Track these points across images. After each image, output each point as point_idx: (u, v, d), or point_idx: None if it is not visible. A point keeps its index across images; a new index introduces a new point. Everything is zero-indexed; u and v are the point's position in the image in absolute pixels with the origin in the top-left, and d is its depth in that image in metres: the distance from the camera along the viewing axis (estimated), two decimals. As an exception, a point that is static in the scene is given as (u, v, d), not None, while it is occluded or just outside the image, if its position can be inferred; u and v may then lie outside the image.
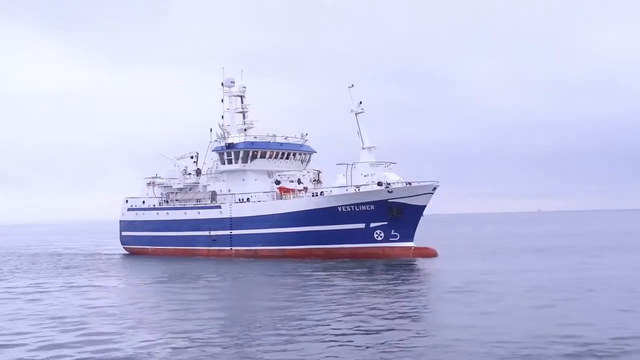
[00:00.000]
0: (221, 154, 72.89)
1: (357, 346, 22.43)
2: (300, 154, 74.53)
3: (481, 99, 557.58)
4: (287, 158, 73.20)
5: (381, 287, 39.36)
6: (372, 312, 29.41)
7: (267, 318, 28.51)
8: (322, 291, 37.79)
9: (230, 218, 70.39)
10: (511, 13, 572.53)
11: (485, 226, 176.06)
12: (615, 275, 43.03)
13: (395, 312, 29.42)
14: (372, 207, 61.81)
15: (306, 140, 76.07)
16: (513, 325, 25.42)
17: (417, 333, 24.40)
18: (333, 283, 42.09)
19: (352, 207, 62.50)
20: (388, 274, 47.14)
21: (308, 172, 71.82)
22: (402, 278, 44.62)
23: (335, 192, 63.91)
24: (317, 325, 26.27)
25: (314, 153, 76.27)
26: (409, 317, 28.22)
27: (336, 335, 24.31)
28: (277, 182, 70.22)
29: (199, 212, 73.81)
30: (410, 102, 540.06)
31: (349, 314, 28.92)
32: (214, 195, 73.79)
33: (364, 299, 34.00)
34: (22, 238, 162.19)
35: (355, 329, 25.47)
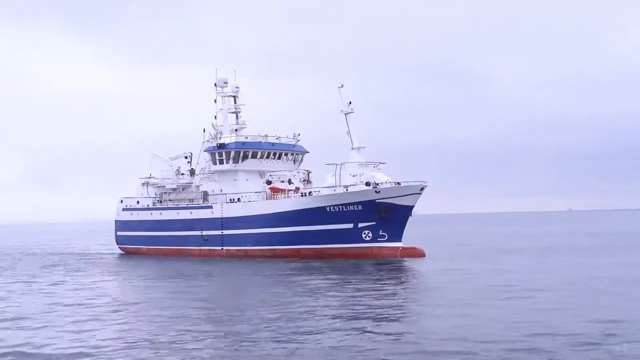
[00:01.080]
0: (213, 154, 73.14)
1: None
2: (292, 154, 74.65)
3: (511, 97, 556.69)
4: (279, 158, 73.36)
5: (351, 286, 39.37)
6: (334, 311, 29.45)
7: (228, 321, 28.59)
8: (283, 292, 37.88)
9: (222, 218, 70.62)
10: (540, 11, 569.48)
11: (505, 226, 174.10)
12: (565, 276, 42.99)
13: (359, 311, 29.44)
14: (360, 207, 61.86)
15: (298, 141, 76.18)
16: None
17: (387, 334, 24.41)
18: (299, 283, 42.19)
19: (341, 207, 62.57)
20: (360, 274, 47.16)
21: (298, 172, 71.94)
22: (379, 277, 44.56)
23: (324, 192, 63.99)
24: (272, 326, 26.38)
25: (307, 153, 76.39)
26: (377, 317, 28.13)
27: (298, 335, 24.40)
28: (269, 182, 70.43)
29: (191, 212, 74.09)
30: (437, 99, 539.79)
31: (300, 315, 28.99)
32: (205, 196, 74.06)
33: (321, 299, 34.00)
34: (41, 237, 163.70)
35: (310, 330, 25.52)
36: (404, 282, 42.87)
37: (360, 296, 34.93)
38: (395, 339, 23.45)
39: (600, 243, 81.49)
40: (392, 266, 53.89)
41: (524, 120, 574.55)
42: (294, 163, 75.11)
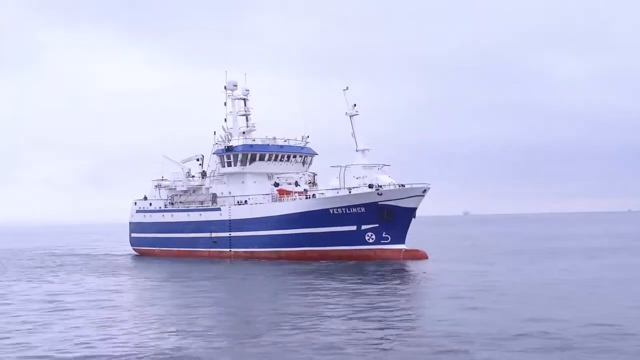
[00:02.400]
0: (221, 157, 73.91)
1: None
2: (300, 156, 75.05)
3: (567, 97, 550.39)
4: (287, 160, 73.82)
5: (343, 286, 39.59)
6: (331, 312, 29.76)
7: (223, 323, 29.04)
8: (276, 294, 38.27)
9: (230, 220, 71.29)
10: (595, 9, 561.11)
11: (546, 227, 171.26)
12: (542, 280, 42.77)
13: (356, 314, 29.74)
14: (363, 209, 62.00)
15: (307, 143, 76.55)
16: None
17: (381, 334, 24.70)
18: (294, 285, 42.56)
19: (344, 209, 62.79)
20: (354, 276, 47.30)
21: (304, 174, 72.31)
22: (373, 279, 44.62)
23: (328, 194, 64.27)
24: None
25: (315, 155, 76.70)
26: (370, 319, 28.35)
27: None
28: (276, 185, 70.95)
29: (200, 214, 74.89)
30: (491, 100, 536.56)
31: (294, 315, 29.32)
32: (214, 198, 74.83)
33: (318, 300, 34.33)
34: (77, 238, 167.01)
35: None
36: (397, 285, 42.80)
37: (350, 297, 35.26)
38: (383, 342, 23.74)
39: (623, 245, 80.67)
40: (392, 268, 53.79)
41: (580, 119, 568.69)
42: (303, 165, 75.52)
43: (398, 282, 44.60)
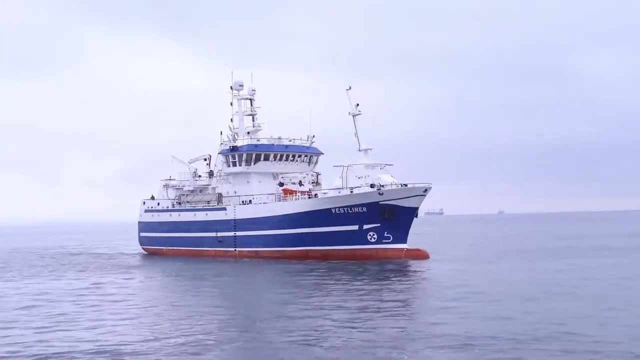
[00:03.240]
0: (227, 157, 74.39)
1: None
2: (306, 156, 75.27)
3: (601, 96, 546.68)
4: (293, 160, 74.07)
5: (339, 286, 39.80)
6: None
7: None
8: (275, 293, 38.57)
9: (235, 219, 71.73)
10: (632, 7, 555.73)
11: (579, 225, 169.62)
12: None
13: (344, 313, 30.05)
14: (365, 209, 62.12)
15: (313, 142, 76.75)
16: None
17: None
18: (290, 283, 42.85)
19: (346, 209, 62.94)
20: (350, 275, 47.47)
21: (307, 174, 72.56)
22: (372, 278, 44.73)
23: (331, 194, 64.46)
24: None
25: (321, 155, 76.89)
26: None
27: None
28: (281, 184, 71.30)
29: (206, 214, 75.41)
30: (530, 98, 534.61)
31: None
32: (220, 197, 75.35)
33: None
34: (103, 236, 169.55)
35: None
36: (393, 284, 42.80)
37: (349, 297, 35.68)
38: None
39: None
40: (393, 268, 53.86)
41: (614, 118, 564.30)
42: (309, 165, 75.76)
43: (394, 281, 44.55)
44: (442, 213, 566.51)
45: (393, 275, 48.19)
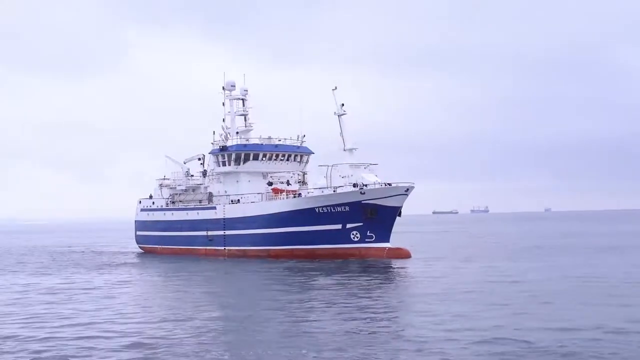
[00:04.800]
0: (217, 157, 75.21)
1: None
2: (296, 156, 75.82)
3: None
4: (283, 159, 74.61)
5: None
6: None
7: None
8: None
9: (224, 219, 72.49)
10: None
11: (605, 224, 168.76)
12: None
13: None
14: (347, 208, 62.56)
15: (303, 142, 77.27)
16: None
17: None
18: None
19: (329, 208, 63.42)
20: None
21: (294, 173, 73.10)
22: (349, 277, 45.21)
23: (314, 193, 64.96)
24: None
25: (312, 154, 77.37)
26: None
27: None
28: (270, 184, 71.98)
29: (198, 213, 76.28)
30: (579, 95, 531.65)
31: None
32: (210, 197, 76.19)
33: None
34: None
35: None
36: (368, 282, 43.21)
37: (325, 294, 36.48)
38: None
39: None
40: (372, 267, 54.32)
41: None
42: (300, 164, 76.31)
43: (370, 279, 44.99)
44: (487, 211, 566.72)
45: (363, 272, 48.73)
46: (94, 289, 43.27)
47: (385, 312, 30.17)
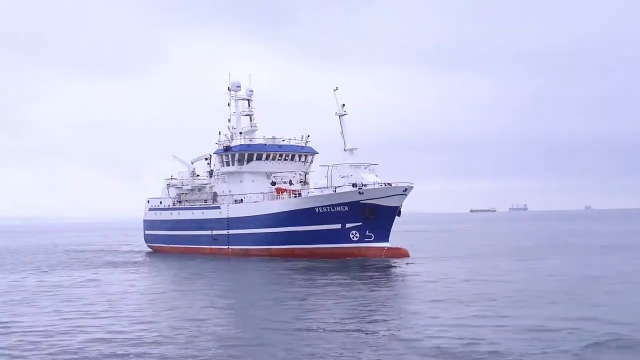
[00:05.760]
0: (221, 157, 76.04)
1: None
2: (300, 156, 76.38)
3: None
4: (287, 160, 75.19)
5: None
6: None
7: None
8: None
9: (228, 218, 73.25)
10: None
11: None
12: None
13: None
14: (346, 208, 62.95)
15: (308, 142, 77.81)
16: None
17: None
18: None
19: (329, 208, 63.86)
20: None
21: (296, 173, 73.63)
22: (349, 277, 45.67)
23: (314, 193, 65.46)
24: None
25: (316, 154, 77.86)
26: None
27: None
28: (273, 183, 72.64)
29: (203, 212, 77.14)
30: (621, 95, 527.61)
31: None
32: (215, 196, 77.02)
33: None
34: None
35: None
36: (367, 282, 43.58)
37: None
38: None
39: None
40: (370, 266, 54.66)
41: None
42: (304, 164, 76.88)
43: (363, 279, 45.43)
44: (526, 209, 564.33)
45: (360, 272, 49.23)
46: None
47: (375, 310, 30.76)
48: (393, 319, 28.29)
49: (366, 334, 25.05)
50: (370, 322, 27.62)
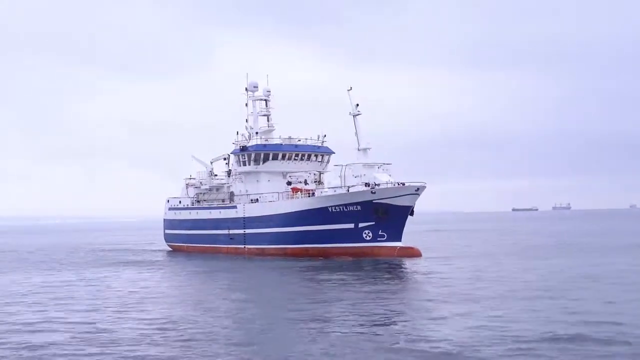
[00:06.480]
0: (237, 157, 76.69)
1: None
2: (316, 155, 76.70)
3: None
4: (303, 159, 75.57)
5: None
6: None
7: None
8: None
9: (244, 217, 73.85)
10: None
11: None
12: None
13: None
14: (359, 207, 63.09)
15: (324, 142, 78.07)
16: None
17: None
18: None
19: (342, 207, 64.06)
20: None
21: (311, 173, 73.93)
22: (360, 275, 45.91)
23: (328, 192, 65.71)
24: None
25: (332, 154, 78.08)
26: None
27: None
28: (289, 183, 73.05)
29: (220, 212, 77.86)
30: None
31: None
32: (231, 196, 77.72)
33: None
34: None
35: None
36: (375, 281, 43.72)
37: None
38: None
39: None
40: (382, 265, 54.80)
41: None
42: (321, 164, 77.18)
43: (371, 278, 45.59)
44: (569, 208, 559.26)
45: (372, 272, 49.45)
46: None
47: (383, 309, 30.99)
48: (401, 320, 28.24)
49: (376, 334, 25.05)
50: (380, 321, 27.68)
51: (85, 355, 22.94)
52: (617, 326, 25.18)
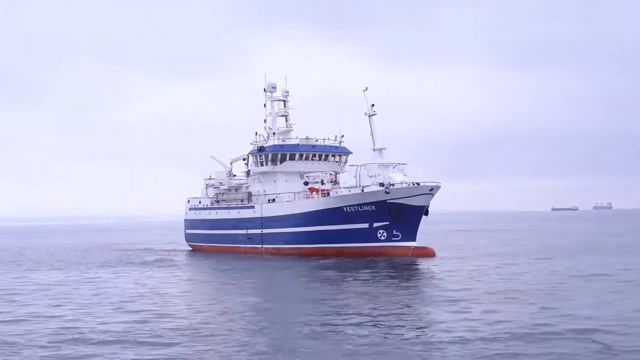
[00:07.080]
0: (255, 157, 77.38)
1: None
2: (334, 155, 77.08)
3: None
4: (320, 159, 76.02)
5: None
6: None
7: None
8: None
9: (261, 217, 74.47)
10: None
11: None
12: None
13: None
14: (374, 207, 63.30)
15: (342, 142, 78.42)
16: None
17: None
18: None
19: (356, 207, 64.32)
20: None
21: (327, 173, 74.33)
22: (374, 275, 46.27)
23: (343, 192, 66.03)
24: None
25: (350, 154, 78.38)
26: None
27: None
28: (306, 183, 73.46)
29: (238, 212, 78.58)
30: None
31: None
32: (249, 196, 78.42)
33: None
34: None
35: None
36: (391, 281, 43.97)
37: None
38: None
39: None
40: (396, 265, 55.00)
41: None
42: (338, 164, 77.52)
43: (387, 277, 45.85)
44: (610, 207, 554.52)
45: (387, 271, 49.73)
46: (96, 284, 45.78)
47: (396, 309, 31.22)
48: (413, 320, 28.45)
49: (392, 334, 25.21)
50: (395, 321, 27.87)
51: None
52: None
